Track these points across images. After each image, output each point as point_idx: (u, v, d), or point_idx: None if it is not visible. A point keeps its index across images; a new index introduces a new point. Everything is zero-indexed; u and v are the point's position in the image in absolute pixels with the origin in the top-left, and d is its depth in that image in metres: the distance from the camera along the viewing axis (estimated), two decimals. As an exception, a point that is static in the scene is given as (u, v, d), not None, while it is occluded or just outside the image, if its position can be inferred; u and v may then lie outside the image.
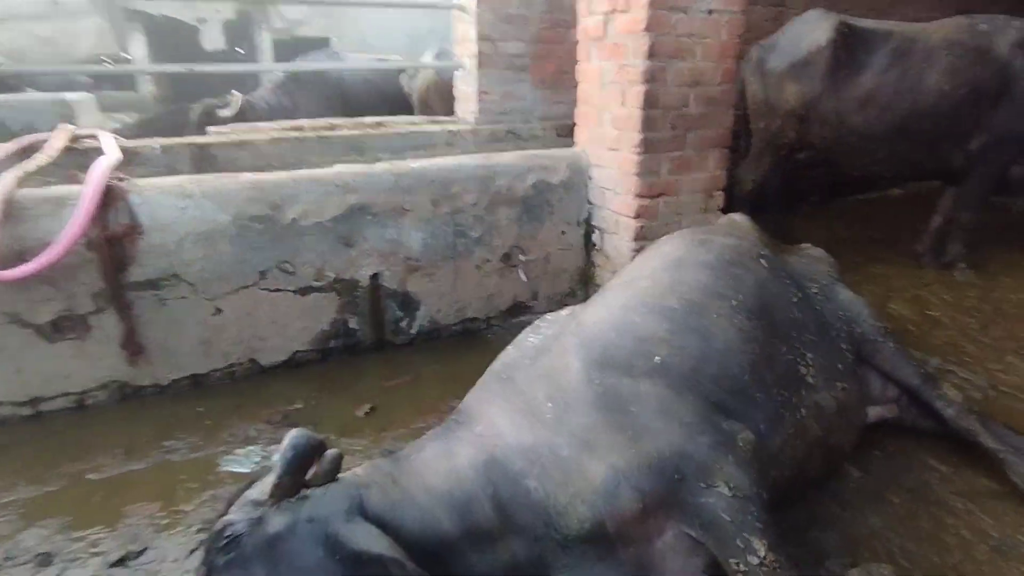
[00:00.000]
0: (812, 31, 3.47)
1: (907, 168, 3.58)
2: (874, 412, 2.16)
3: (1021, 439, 2.06)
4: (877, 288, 3.63)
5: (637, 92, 2.85)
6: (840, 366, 1.93)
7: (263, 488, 1.48)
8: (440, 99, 4.86)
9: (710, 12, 2.86)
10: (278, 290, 2.75)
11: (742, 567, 1.36)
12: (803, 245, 2.62)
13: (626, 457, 1.48)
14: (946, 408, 2.06)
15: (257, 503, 1.45)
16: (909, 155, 3.48)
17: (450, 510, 1.46)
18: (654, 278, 1.97)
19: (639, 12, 2.75)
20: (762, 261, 2.01)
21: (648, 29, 2.74)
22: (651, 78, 2.82)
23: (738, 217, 2.50)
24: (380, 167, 2.93)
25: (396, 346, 3.09)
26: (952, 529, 1.84)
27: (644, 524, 1.45)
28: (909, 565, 1.71)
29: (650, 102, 2.84)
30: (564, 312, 2.17)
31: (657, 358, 1.69)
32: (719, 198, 3.15)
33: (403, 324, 3.07)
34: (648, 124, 2.87)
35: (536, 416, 1.62)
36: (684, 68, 2.89)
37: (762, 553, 1.37)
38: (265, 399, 2.60)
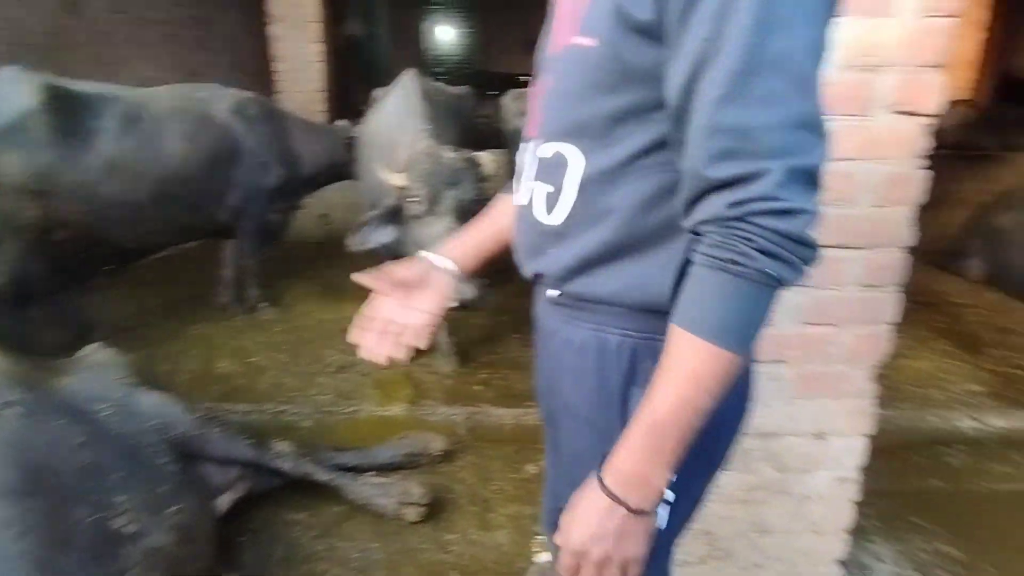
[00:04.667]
0: (17, 94, 2.91)
1: (183, 230, 3.60)
2: (225, 500, 2.04)
3: (349, 453, 2.36)
4: (201, 351, 3.56)
5: None
6: (166, 487, 1.68)
7: None
8: None
9: None
10: None
11: None
12: (87, 349, 2.19)
13: None
14: (283, 464, 2.14)
15: None
16: (179, 218, 3.47)
17: None
18: None
19: None
20: (16, 410, 1.51)
21: None
22: None
23: (-28, 349, 1.85)
24: None
25: None
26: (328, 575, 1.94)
27: None
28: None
29: None
30: None
31: None
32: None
33: None
34: None
35: None
36: None
37: None
38: None
